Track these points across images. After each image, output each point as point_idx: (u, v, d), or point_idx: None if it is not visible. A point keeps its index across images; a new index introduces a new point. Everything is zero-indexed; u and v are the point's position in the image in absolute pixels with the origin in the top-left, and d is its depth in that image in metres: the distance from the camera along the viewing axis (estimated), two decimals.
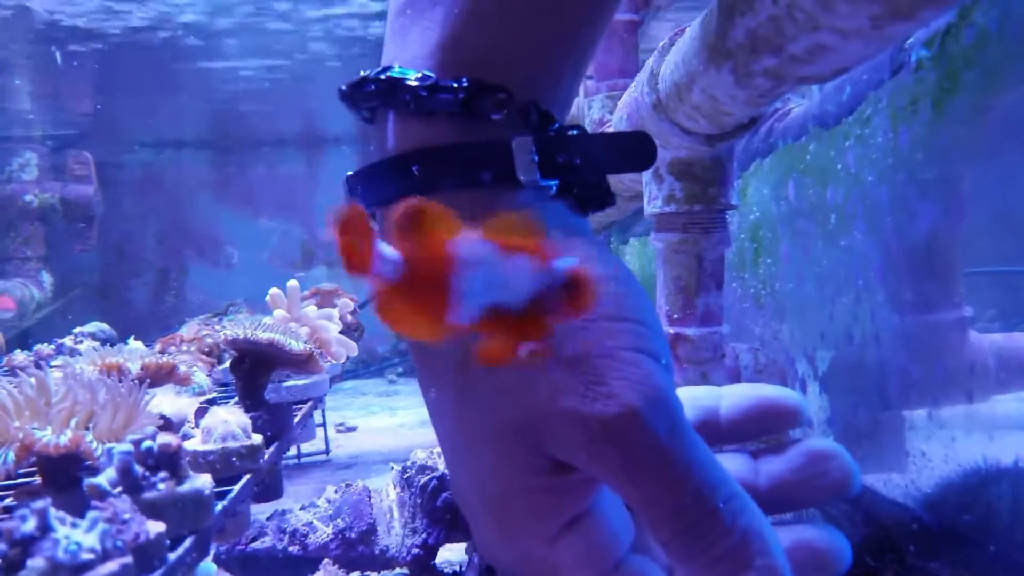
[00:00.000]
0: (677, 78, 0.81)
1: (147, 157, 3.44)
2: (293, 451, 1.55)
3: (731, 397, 0.37)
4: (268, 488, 1.08)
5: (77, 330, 1.26)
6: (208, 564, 0.58)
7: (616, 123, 1.13)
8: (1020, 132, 0.66)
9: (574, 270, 0.31)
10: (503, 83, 0.35)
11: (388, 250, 0.28)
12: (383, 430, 1.95)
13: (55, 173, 3.12)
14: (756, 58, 0.62)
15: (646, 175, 0.97)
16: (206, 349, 1.17)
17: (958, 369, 0.87)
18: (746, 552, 0.31)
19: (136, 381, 0.75)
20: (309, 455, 1.54)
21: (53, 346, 1.27)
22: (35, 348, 1.24)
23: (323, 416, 1.58)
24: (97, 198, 3.08)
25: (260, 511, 0.82)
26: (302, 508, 0.77)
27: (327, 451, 1.57)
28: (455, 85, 0.35)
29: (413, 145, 0.35)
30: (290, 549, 0.69)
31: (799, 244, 1.00)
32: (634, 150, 0.38)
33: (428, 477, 0.69)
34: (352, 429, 1.96)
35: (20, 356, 1.22)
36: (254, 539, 0.75)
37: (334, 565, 0.66)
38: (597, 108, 1.60)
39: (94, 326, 1.38)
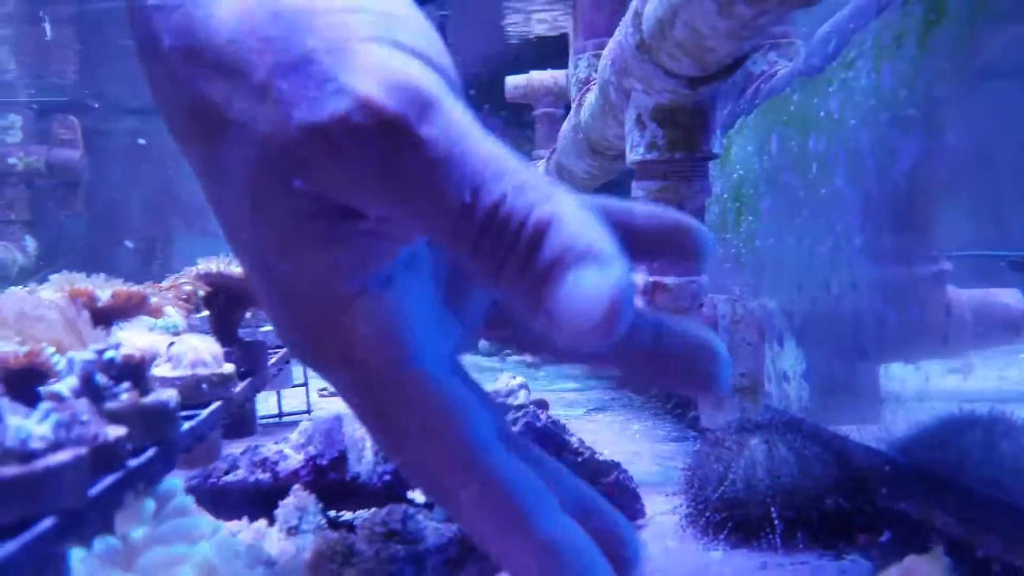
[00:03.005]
0: (660, 14, 0.80)
1: (134, 124, 3.41)
2: (275, 409, 1.54)
3: (644, 213, 0.34)
4: (240, 423, 1.07)
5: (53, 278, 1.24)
6: (184, 497, 0.58)
7: (601, 69, 1.12)
8: (1007, 66, 0.65)
9: None
10: None
11: None
12: None
13: (40, 137, 3.09)
14: None
15: (628, 122, 0.96)
16: (183, 296, 1.16)
17: (935, 322, 0.87)
18: (553, 243, 0.24)
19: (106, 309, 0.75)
20: (291, 413, 1.54)
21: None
22: None
23: (304, 376, 1.57)
24: (83, 163, 3.06)
25: (234, 448, 0.82)
26: (275, 442, 0.76)
27: (308, 410, 1.56)
28: None
29: None
30: (261, 477, 0.69)
31: (781, 198, 1.00)
32: None
33: None
34: (335, 394, 1.95)
35: None
36: (227, 472, 0.75)
37: (304, 491, 0.66)
38: (583, 67, 1.59)
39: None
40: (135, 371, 0.55)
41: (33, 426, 0.41)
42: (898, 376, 0.86)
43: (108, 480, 0.46)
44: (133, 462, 0.50)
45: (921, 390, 0.80)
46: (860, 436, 0.81)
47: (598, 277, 0.23)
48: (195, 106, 0.29)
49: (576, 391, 1.89)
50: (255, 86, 0.27)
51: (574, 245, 0.24)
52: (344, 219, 0.27)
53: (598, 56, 1.53)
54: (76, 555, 0.47)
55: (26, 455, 0.40)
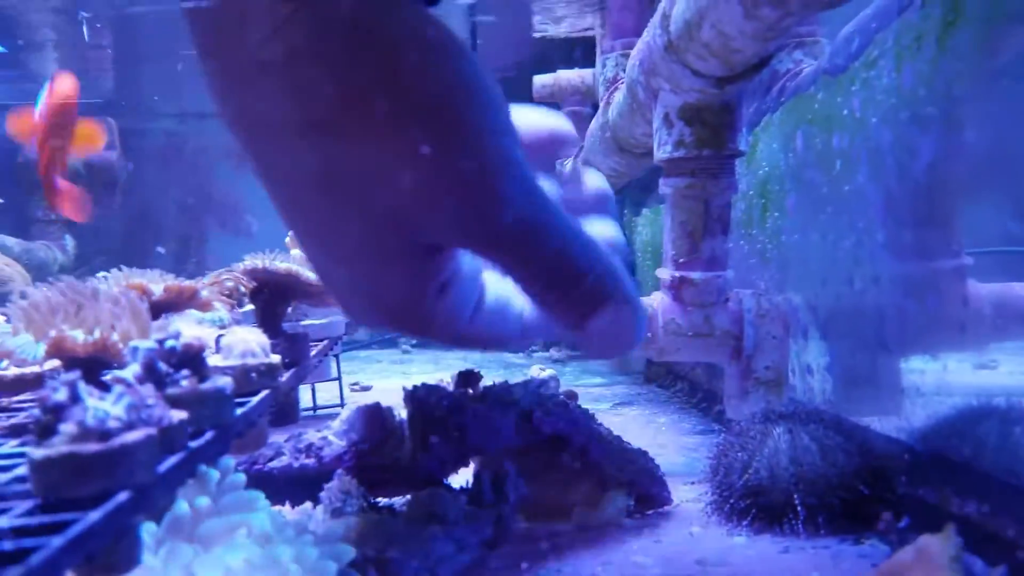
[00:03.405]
0: (688, 16, 0.83)
1: (170, 125, 3.48)
2: (310, 402, 1.59)
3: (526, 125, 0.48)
4: (284, 412, 1.12)
5: (101, 275, 1.30)
6: (239, 474, 0.61)
7: (629, 69, 1.15)
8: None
9: None
10: None
11: None
12: (396, 390, 1.98)
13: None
14: None
15: (656, 121, 0.99)
16: (226, 291, 1.21)
17: (953, 315, 0.89)
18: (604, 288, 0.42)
19: (158, 303, 0.79)
20: (325, 407, 1.58)
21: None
22: None
23: (338, 370, 1.62)
24: (120, 164, 3.13)
25: (278, 437, 0.85)
26: (317, 430, 0.80)
27: (342, 403, 1.60)
28: None
29: None
30: (306, 462, 0.73)
31: (805, 194, 1.02)
32: None
33: (438, 397, 0.72)
34: (367, 388, 2.00)
35: None
36: (271, 458, 0.78)
37: (347, 475, 0.70)
38: (611, 66, 1.62)
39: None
40: (194, 359, 0.59)
41: (109, 407, 0.45)
42: (919, 369, 0.88)
43: (173, 460, 0.50)
44: (193, 444, 0.54)
45: (941, 383, 0.82)
46: (881, 426, 0.83)
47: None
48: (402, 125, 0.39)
49: (602, 386, 1.92)
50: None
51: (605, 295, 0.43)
52: (438, 250, 0.41)
53: (626, 56, 1.56)
54: (146, 528, 0.51)
55: (104, 434, 0.44)
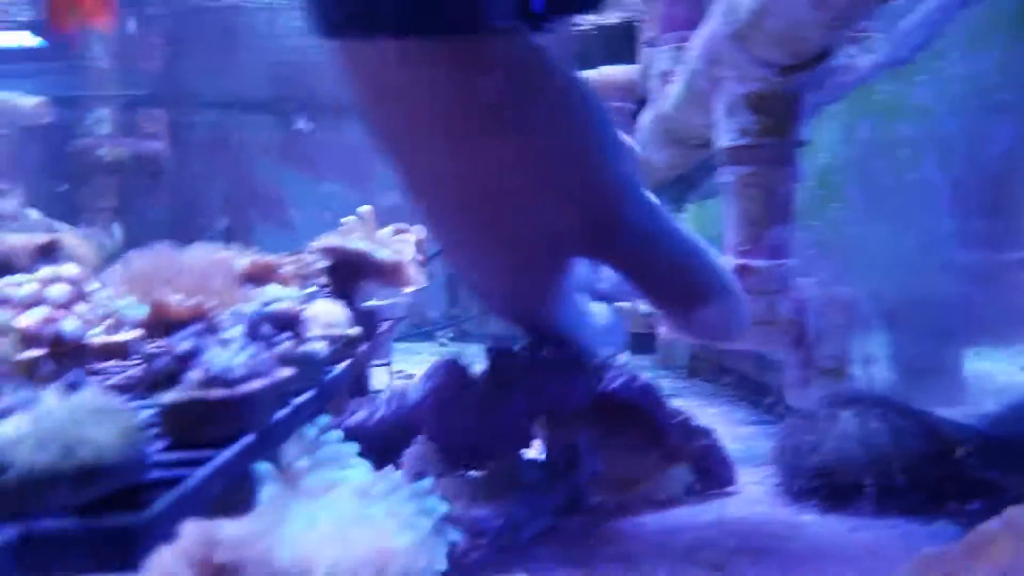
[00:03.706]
0: (755, 5, 0.84)
1: (215, 117, 3.54)
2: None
3: None
4: (357, 384, 1.14)
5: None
6: (335, 431, 0.64)
7: (689, 61, 1.16)
8: None
9: None
10: None
11: None
12: None
13: (126, 129, 3.24)
14: None
15: (719, 110, 1.00)
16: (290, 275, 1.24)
17: (1020, 307, 0.89)
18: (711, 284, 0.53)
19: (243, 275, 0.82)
20: (375, 392, 1.60)
21: None
22: None
23: (389, 355, 1.64)
24: (166, 155, 3.19)
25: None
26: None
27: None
28: None
29: None
30: (386, 412, 0.75)
31: (868, 184, 1.03)
32: None
33: (516, 354, 0.73)
34: (410, 376, 2.02)
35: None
36: (351, 414, 0.80)
37: (428, 440, 0.72)
38: (665, 60, 1.63)
39: None
40: (292, 324, 0.61)
41: (233, 356, 0.47)
42: (981, 364, 0.88)
43: (284, 411, 0.52)
44: (296, 400, 0.56)
45: (1006, 375, 0.83)
46: (950, 413, 0.83)
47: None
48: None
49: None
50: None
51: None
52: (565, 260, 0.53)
53: (679, 49, 1.57)
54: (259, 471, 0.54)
55: (228, 381, 0.46)
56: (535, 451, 0.79)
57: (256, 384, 0.47)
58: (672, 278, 0.51)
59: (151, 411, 0.50)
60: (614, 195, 0.48)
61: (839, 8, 0.75)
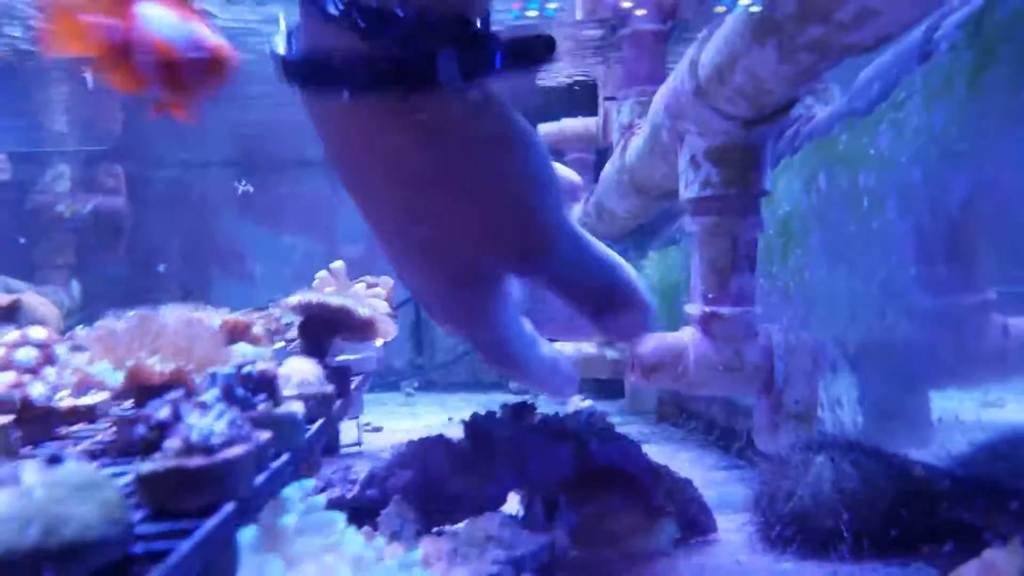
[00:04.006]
0: (719, 61, 0.87)
1: (175, 173, 3.52)
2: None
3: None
4: (331, 441, 1.12)
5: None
6: (318, 496, 0.63)
7: (652, 114, 1.19)
8: None
9: (216, 46, 0.58)
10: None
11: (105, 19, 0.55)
12: (406, 431, 1.99)
13: (86, 185, 3.20)
14: (803, 28, 0.68)
15: (683, 163, 1.03)
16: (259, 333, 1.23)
17: (982, 349, 0.91)
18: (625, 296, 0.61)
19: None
20: (344, 446, 1.58)
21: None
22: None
23: (357, 411, 1.62)
24: (127, 210, 3.16)
25: (323, 468, 0.86)
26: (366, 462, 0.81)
27: (359, 443, 1.61)
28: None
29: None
30: (368, 493, 0.74)
31: (830, 232, 1.05)
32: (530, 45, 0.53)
33: (498, 429, 0.74)
34: (378, 429, 2.01)
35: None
36: (322, 490, 0.79)
37: (403, 501, 0.71)
38: (626, 112, 1.66)
39: None
40: (269, 385, 0.60)
41: (212, 423, 0.47)
42: (945, 403, 0.90)
43: (263, 476, 0.51)
44: (274, 463, 0.55)
45: (971, 413, 0.85)
46: (919, 455, 0.85)
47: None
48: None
49: (616, 426, 1.93)
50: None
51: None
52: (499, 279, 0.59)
53: (640, 103, 1.61)
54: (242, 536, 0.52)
55: (208, 449, 0.45)
56: (512, 506, 0.79)
57: (236, 450, 0.46)
58: (593, 289, 0.59)
59: (127, 479, 0.49)
60: (543, 223, 0.56)
61: (806, 64, 0.77)
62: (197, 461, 0.44)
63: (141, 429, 0.47)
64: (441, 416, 2.25)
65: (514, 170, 0.55)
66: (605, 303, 0.60)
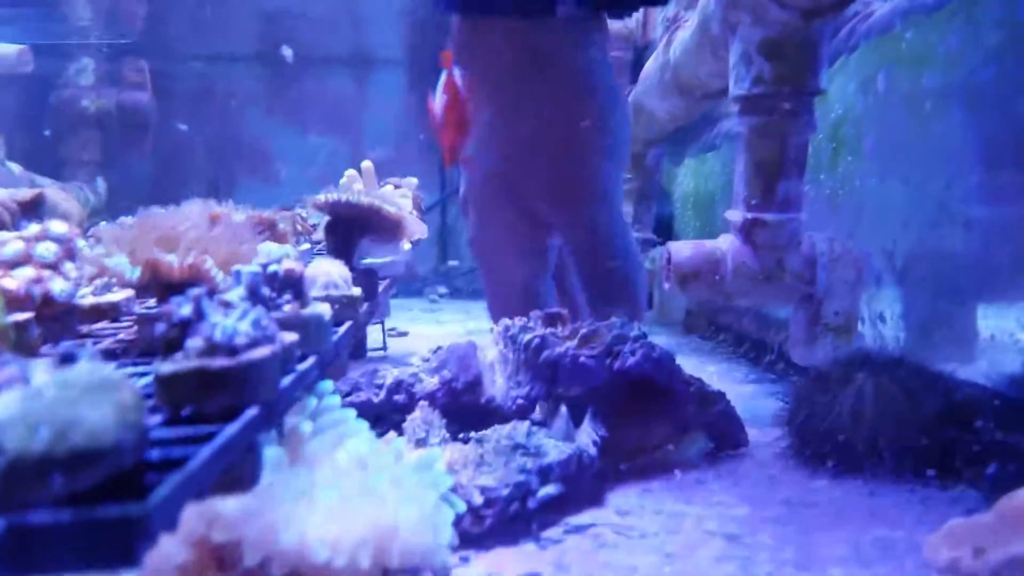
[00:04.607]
0: None
1: (200, 68, 3.45)
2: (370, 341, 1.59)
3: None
4: (355, 346, 1.11)
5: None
6: (335, 396, 0.61)
7: (702, 5, 1.11)
8: None
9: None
10: None
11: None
12: (432, 336, 1.98)
13: (111, 80, 3.14)
14: None
15: (734, 56, 0.96)
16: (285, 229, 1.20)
17: None
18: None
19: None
20: (370, 350, 1.58)
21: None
22: None
23: (383, 315, 1.61)
24: (152, 106, 3.11)
25: (350, 372, 0.84)
26: (395, 367, 0.79)
27: (384, 347, 1.60)
28: None
29: None
30: (395, 398, 0.72)
31: (886, 136, 0.99)
32: None
33: (531, 336, 0.71)
34: (404, 334, 2.00)
35: None
36: (348, 394, 0.78)
37: (430, 407, 0.69)
38: (671, 5, 1.57)
39: None
40: (295, 285, 0.58)
41: (236, 323, 0.44)
42: (995, 322, 0.86)
43: (289, 379, 0.49)
44: (300, 366, 0.53)
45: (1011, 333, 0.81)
46: (966, 373, 0.81)
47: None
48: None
49: None
50: None
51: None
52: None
53: None
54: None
55: (232, 349, 0.43)
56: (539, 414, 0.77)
57: (261, 352, 0.44)
58: (605, 275, 0.68)
59: (147, 380, 0.47)
60: (596, 178, 0.67)
61: None
62: (220, 362, 0.42)
63: (162, 327, 0.44)
64: (466, 324, 2.24)
65: (593, 112, 0.66)
66: (608, 292, 0.65)
